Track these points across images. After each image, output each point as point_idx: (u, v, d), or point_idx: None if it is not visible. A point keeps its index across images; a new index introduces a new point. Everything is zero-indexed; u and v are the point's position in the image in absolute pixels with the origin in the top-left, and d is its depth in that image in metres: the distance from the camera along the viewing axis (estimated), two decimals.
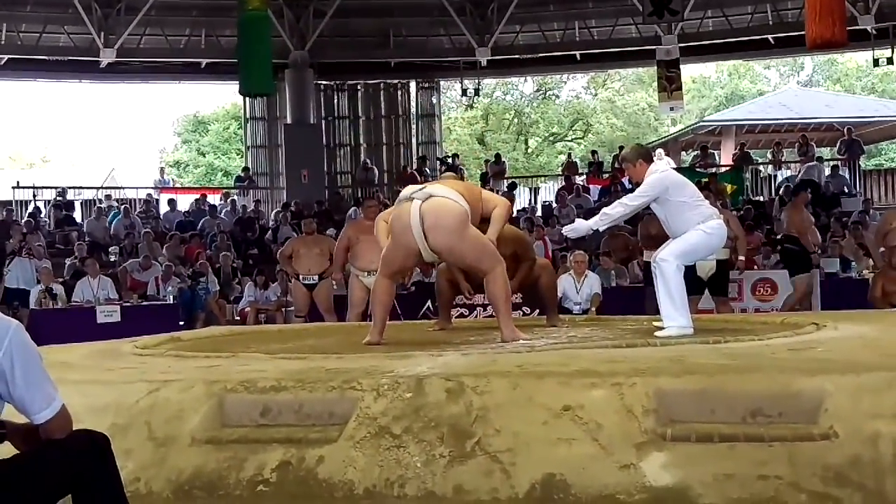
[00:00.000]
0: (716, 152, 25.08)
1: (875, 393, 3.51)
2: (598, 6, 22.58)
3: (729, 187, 19.14)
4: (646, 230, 12.10)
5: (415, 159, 24.02)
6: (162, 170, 26.99)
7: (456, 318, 9.18)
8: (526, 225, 16.86)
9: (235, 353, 5.24)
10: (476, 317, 11.54)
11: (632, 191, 6.44)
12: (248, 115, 24.40)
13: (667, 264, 5.87)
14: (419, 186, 5.91)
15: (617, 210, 6.07)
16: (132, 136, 52.78)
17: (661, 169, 6.10)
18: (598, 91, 40.50)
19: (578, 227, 6.19)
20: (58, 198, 20.97)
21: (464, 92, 24.54)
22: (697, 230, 5.93)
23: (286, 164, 22.75)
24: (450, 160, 23.97)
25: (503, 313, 5.71)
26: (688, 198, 5.99)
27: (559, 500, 3.47)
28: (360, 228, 10.27)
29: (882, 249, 10.79)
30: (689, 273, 8.28)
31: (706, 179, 16.42)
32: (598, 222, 6.10)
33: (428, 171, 23.20)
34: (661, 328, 5.84)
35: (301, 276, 11.54)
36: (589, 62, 24.38)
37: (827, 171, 21.42)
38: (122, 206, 20.16)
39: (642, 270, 12.38)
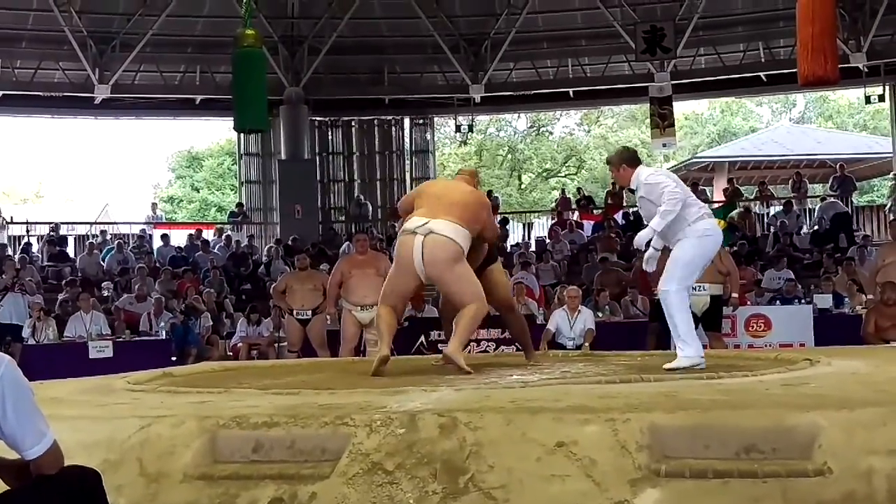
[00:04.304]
0: (708, 188, 25.18)
1: (869, 429, 3.50)
2: (590, 44, 22.72)
3: (721, 223, 19.17)
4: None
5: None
6: (154, 205, 27.00)
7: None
8: (519, 260, 16.91)
9: (228, 388, 5.21)
10: (469, 352, 11.52)
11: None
12: (242, 151, 24.43)
13: (667, 294, 5.83)
14: (423, 220, 6.30)
15: (660, 223, 5.88)
16: (126, 172, 52.88)
17: (651, 171, 6.09)
18: (592, 127, 40.69)
19: (640, 237, 6.08)
20: (51, 233, 20.96)
21: (457, 128, 24.64)
22: (686, 240, 5.85)
23: (280, 199, 22.74)
24: None
25: (460, 335, 6.21)
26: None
27: None
28: (352, 263, 10.32)
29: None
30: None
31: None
32: (651, 231, 5.94)
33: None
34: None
35: (294, 312, 11.55)
36: (582, 99, 24.50)
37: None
38: (116, 242, 20.16)
39: (649, 306, 12.32)
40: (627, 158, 6.17)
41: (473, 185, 6.80)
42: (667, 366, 5.65)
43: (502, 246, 18.45)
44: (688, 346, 5.71)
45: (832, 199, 20.85)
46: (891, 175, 23.02)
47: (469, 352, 11.48)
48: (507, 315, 7.22)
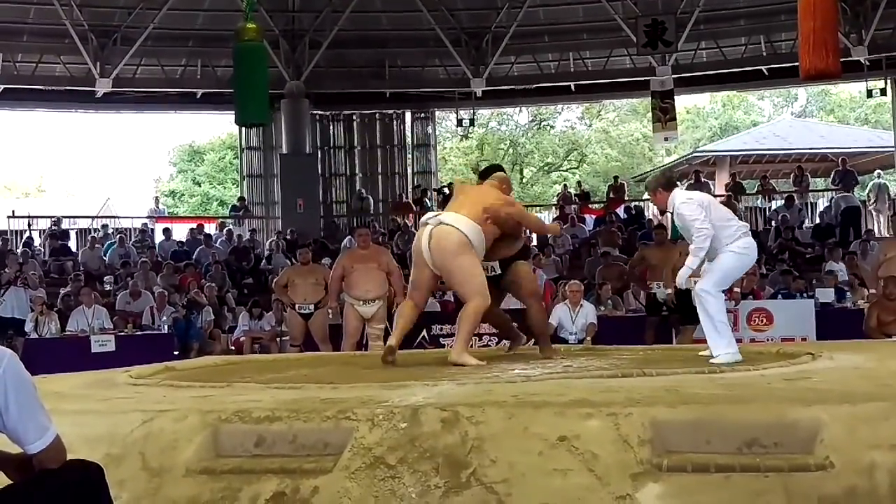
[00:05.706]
0: (710, 182, 25.16)
1: (871, 423, 3.50)
2: (592, 38, 22.70)
3: None
4: (646, 261, 12.12)
5: (410, 189, 24.07)
6: (157, 199, 26.99)
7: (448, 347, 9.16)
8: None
9: (230, 382, 5.21)
10: (472, 346, 11.50)
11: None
12: (243, 145, 24.41)
13: (707, 295, 6.05)
14: (435, 213, 6.66)
15: (694, 261, 6.17)
16: (128, 166, 52.94)
17: (685, 197, 6.28)
18: (593, 121, 40.64)
19: (681, 276, 6.28)
20: (53, 227, 20.96)
21: (459, 122, 24.61)
22: (727, 253, 6.10)
23: (282, 193, 22.73)
24: (446, 190, 23.98)
25: (462, 336, 6.33)
26: (716, 220, 6.14)
27: None
28: (354, 258, 10.31)
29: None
30: (687, 302, 8.34)
31: None
32: (688, 270, 6.21)
33: (427, 202, 23.23)
34: (711, 357, 5.94)
35: (297, 306, 11.53)
36: (583, 93, 24.50)
37: (821, 203, 21.48)
38: (118, 236, 20.17)
39: (646, 300, 12.34)
40: (663, 184, 6.48)
41: (503, 191, 6.86)
42: (709, 358, 5.86)
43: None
44: (730, 344, 5.94)
45: (845, 193, 20.79)
46: (875, 173, 23.07)
47: (471, 346, 11.50)
48: (533, 305, 7.08)
